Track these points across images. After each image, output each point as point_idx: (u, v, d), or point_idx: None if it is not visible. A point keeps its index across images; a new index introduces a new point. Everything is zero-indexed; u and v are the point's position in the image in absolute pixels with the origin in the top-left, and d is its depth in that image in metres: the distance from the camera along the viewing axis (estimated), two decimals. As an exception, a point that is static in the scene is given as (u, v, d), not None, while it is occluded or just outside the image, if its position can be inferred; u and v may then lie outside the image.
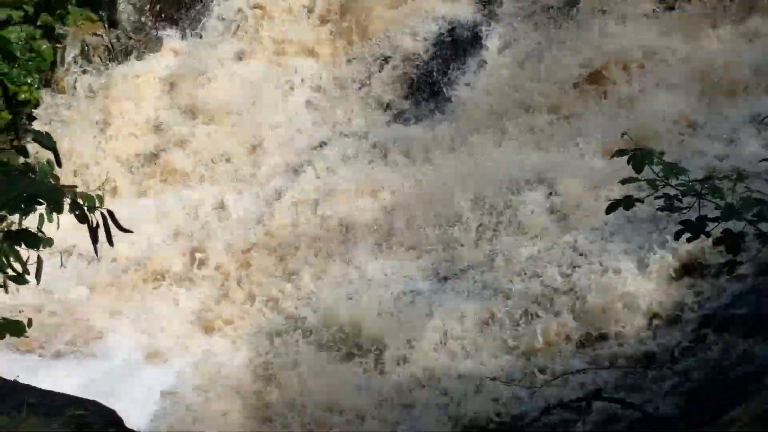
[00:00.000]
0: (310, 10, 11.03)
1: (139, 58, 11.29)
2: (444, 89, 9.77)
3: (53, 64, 11.18)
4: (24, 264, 3.28)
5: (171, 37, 11.42)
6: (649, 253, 6.14)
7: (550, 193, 7.46)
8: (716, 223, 3.39)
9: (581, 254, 6.59)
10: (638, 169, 3.50)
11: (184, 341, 7.85)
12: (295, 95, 10.39)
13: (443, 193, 8.18)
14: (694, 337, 5.44)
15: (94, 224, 3.09)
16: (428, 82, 9.91)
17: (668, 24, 8.71)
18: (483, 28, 10.04)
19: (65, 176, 3.28)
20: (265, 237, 8.58)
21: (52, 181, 2.99)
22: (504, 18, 10.00)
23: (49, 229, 3.17)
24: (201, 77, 10.66)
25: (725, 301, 5.60)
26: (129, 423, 4.60)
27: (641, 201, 3.59)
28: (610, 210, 3.64)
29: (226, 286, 8.37)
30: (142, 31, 11.71)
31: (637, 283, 6.00)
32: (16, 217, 3.08)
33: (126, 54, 11.42)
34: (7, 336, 3.08)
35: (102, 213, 3.06)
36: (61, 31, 11.41)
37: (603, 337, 5.85)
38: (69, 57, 11.34)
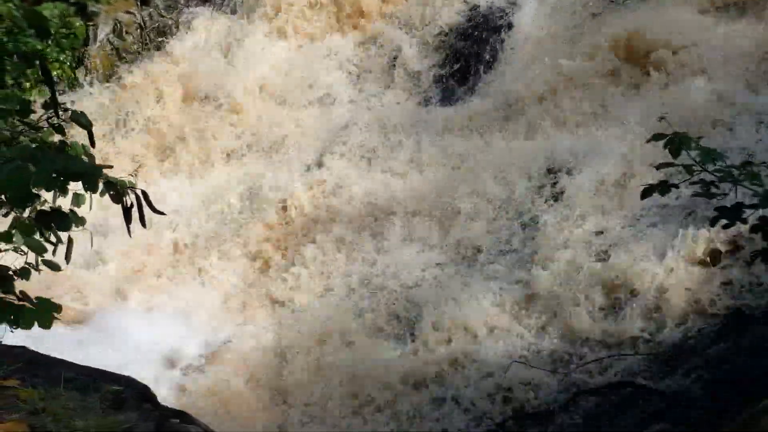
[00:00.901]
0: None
1: (171, 35, 11.32)
2: (477, 71, 9.69)
3: (85, 42, 11.25)
4: (59, 240, 3.30)
5: (203, 15, 11.41)
6: (683, 240, 6.06)
7: (584, 178, 7.37)
8: (753, 210, 3.35)
9: (614, 239, 6.53)
10: (675, 154, 3.46)
11: (218, 319, 7.92)
12: (329, 72, 10.35)
13: (476, 175, 8.15)
14: (727, 324, 5.38)
15: (128, 204, 3.11)
16: (461, 63, 9.84)
17: (712, 5, 8.55)
18: (515, 9, 9.92)
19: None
20: (299, 215, 8.61)
21: (87, 160, 3.01)
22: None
23: (81, 209, 3.19)
24: (232, 55, 10.67)
25: (760, 288, 5.52)
26: (161, 399, 4.65)
27: (677, 186, 3.54)
28: (645, 195, 3.60)
29: (257, 264, 8.44)
30: (174, 8, 11.74)
31: (670, 270, 5.93)
32: (49, 196, 3.10)
33: (158, 32, 11.46)
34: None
35: (136, 193, 3.08)
36: (93, 9, 11.46)
37: (634, 324, 5.79)
38: (101, 35, 11.40)
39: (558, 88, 8.63)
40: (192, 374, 7.18)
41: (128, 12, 11.61)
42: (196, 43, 11.11)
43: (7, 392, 3.21)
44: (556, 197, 7.41)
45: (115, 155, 9.97)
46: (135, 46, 11.33)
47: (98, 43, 11.30)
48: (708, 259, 5.75)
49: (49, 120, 3.29)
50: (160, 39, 11.35)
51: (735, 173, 3.38)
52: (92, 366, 3.97)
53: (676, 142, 3.46)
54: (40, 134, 3.13)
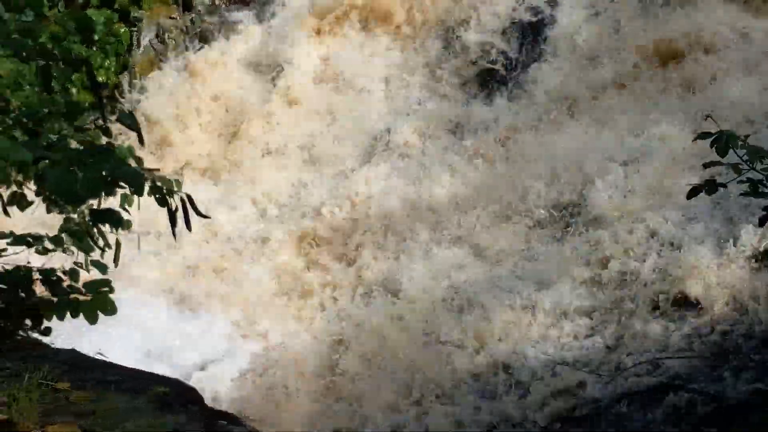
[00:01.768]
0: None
1: (213, 40, 11.42)
2: (514, 71, 9.62)
3: (129, 48, 11.40)
4: (107, 243, 3.35)
5: (245, 20, 11.48)
6: (731, 240, 5.96)
7: (627, 177, 7.28)
8: (803, 209, 3.27)
9: (661, 240, 6.43)
10: (722, 153, 3.39)
11: (268, 318, 8.00)
12: (369, 76, 10.35)
13: (514, 177, 8.09)
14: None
15: (174, 208, 3.14)
16: (498, 65, 9.77)
17: (754, 3, 8.41)
18: (554, 11, 9.82)
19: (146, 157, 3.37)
20: (339, 218, 8.65)
21: (134, 163, 3.05)
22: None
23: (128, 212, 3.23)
24: (277, 59, 10.74)
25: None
26: (210, 401, 4.70)
27: (724, 186, 3.47)
28: (691, 195, 3.54)
29: (299, 267, 8.51)
30: (216, 13, 11.84)
31: (718, 271, 5.83)
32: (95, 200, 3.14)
33: (201, 37, 11.57)
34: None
35: (181, 197, 3.11)
36: (136, 15, 11.61)
37: (680, 326, 5.71)
38: (145, 40, 11.54)
39: (602, 90, 8.56)
40: (241, 374, 7.25)
41: (170, 17, 11.74)
42: (240, 46, 11.18)
43: (58, 395, 3.26)
44: (600, 197, 7.30)
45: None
46: (177, 50, 11.44)
47: (142, 49, 11.44)
48: (760, 258, 5.66)
49: (96, 122, 3.33)
50: (201, 44, 11.45)
51: (783, 172, 3.30)
52: (137, 368, 4.03)
53: (722, 141, 3.39)
54: (87, 137, 3.17)
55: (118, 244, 3.43)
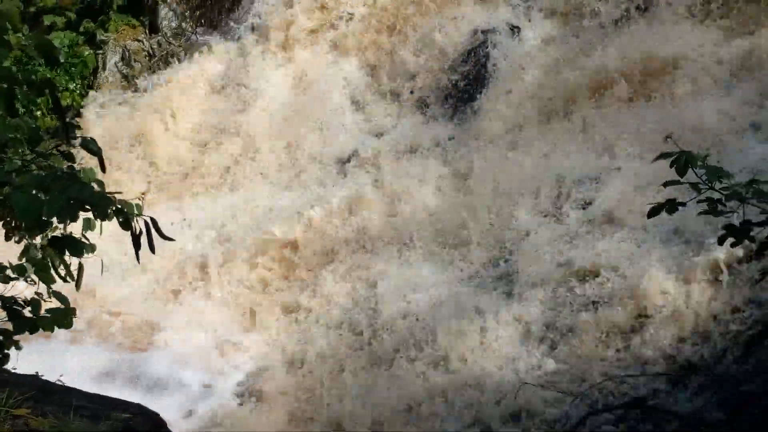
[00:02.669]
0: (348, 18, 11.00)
1: (179, 63, 11.41)
2: (479, 92, 9.68)
3: (95, 70, 11.36)
4: (69, 271, 3.32)
5: (211, 42, 11.49)
6: (691, 258, 6.05)
7: (595, 196, 7.38)
8: (761, 228, 3.34)
9: (627, 258, 6.51)
10: (682, 173, 3.45)
11: (229, 339, 7.95)
12: (337, 95, 10.40)
13: (480, 197, 8.17)
14: (743, 343, 5.34)
15: (137, 232, 3.12)
16: (462, 86, 9.84)
17: (711, 25, 8.55)
18: (517, 32, 9.93)
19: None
20: (309, 236, 8.65)
21: (97, 187, 3.03)
22: (540, 22, 9.89)
23: (91, 236, 3.21)
24: (242, 82, 10.76)
25: (768, 307, 5.50)
26: (172, 425, 4.65)
27: (684, 205, 3.53)
28: (651, 214, 3.59)
29: (265, 285, 8.50)
30: (182, 36, 11.84)
31: (678, 289, 5.91)
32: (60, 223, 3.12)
33: (166, 60, 11.56)
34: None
35: (145, 221, 3.09)
36: (102, 38, 11.58)
37: (643, 344, 5.77)
38: (110, 63, 11.51)
39: (564, 107, 8.66)
40: (215, 400, 7.21)
41: (136, 40, 11.72)
42: (204, 70, 11.18)
43: (18, 421, 3.21)
44: (569, 215, 7.39)
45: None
46: (143, 74, 11.42)
47: (107, 71, 11.40)
48: (719, 277, 5.75)
49: (59, 148, 3.31)
50: (167, 67, 11.44)
51: (742, 191, 3.37)
52: (101, 394, 3.99)
53: (682, 161, 3.46)
54: (50, 162, 3.15)
55: (80, 268, 3.40)
